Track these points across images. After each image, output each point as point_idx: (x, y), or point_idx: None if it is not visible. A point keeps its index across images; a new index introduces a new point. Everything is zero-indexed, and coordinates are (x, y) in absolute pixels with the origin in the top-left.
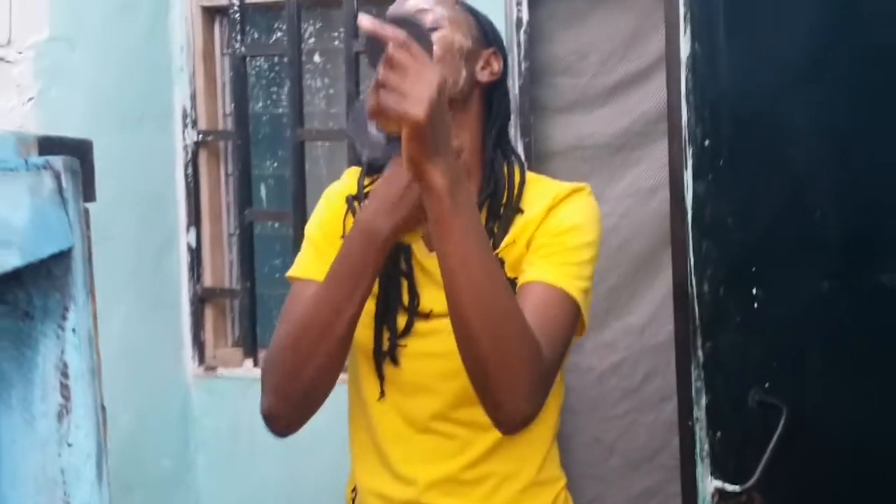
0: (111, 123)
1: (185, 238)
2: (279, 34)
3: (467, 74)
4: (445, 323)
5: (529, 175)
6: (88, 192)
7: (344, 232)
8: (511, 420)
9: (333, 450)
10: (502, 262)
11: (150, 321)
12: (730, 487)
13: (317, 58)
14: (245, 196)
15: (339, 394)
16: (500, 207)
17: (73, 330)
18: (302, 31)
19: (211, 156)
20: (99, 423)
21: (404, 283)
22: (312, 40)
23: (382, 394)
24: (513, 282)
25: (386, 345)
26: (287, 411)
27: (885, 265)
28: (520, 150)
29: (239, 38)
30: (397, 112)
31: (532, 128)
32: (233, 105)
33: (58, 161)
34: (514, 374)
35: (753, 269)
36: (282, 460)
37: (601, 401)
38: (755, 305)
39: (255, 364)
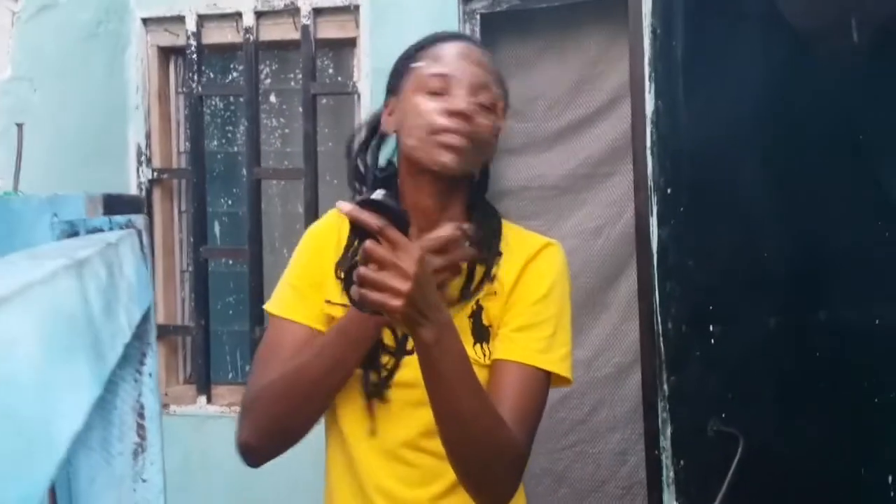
0: (71, 160)
1: None
2: (235, 74)
3: (496, 140)
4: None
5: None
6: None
7: (324, 276)
8: (492, 503)
9: (285, 484)
10: (481, 309)
11: None
12: None
13: (273, 98)
14: (200, 233)
15: None
16: (485, 251)
17: (150, 374)
18: (259, 71)
19: (164, 193)
20: (163, 460)
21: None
22: (269, 81)
23: (373, 432)
24: (487, 329)
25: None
26: (265, 447)
27: (825, 303)
28: None
29: (195, 77)
30: (376, 304)
31: None
32: (188, 143)
33: (138, 220)
34: (495, 474)
35: (711, 307)
36: (234, 494)
37: (551, 432)
38: (712, 341)
39: (209, 401)
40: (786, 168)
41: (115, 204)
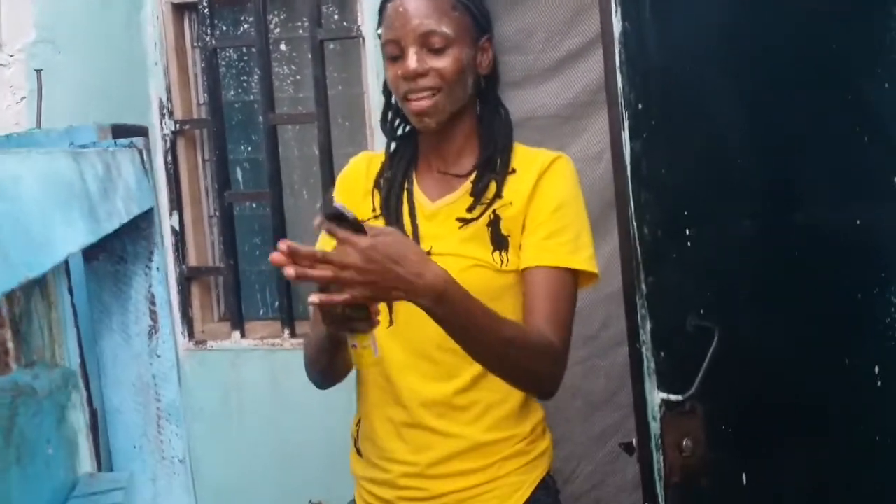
0: (95, 117)
1: (169, 221)
2: (246, 26)
3: (472, 79)
4: (441, 260)
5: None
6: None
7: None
8: (544, 397)
9: (320, 415)
10: (498, 219)
11: None
12: (673, 398)
13: (283, 46)
14: (223, 179)
15: None
16: (495, 165)
17: (157, 268)
18: (268, 21)
19: (188, 143)
20: (176, 340)
21: (408, 225)
22: (278, 30)
23: (391, 322)
24: (506, 238)
25: None
26: (317, 382)
27: (796, 205)
28: None
29: (209, 31)
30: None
31: None
32: (206, 95)
33: (139, 141)
34: (539, 377)
35: (686, 212)
36: (271, 425)
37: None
38: (688, 244)
39: (243, 336)
40: (757, 75)
41: (122, 132)
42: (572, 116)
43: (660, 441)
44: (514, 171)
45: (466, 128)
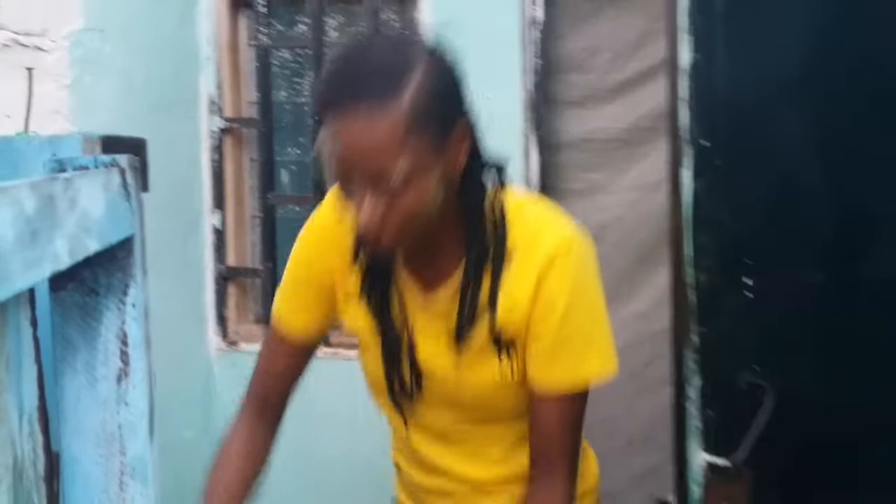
0: (140, 110)
1: (210, 220)
2: (302, 27)
3: (445, 190)
4: (448, 384)
5: (508, 205)
6: (144, 184)
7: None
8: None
9: (347, 425)
10: (500, 325)
11: (175, 298)
12: (720, 461)
13: None
14: (268, 181)
15: (349, 371)
16: (483, 266)
17: (133, 304)
18: (324, 24)
19: (235, 142)
20: (151, 385)
21: (397, 316)
22: (335, 34)
23: (407, 425)
24: (512, 342)
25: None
26: None
27: (868, 259)
28: (532, 142)
29: (264, 30)
30: None
31: (544, 121)
32: (258, 94)
33: (123, 159)
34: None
35: (747, 260)
36: (298, 432)
37: (608, 383)
38: (747, 294)
39: None
40: (829, 119)
41: (113, 144)
42: (632, 141)
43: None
44: (510, 257)
45: (447, 227)
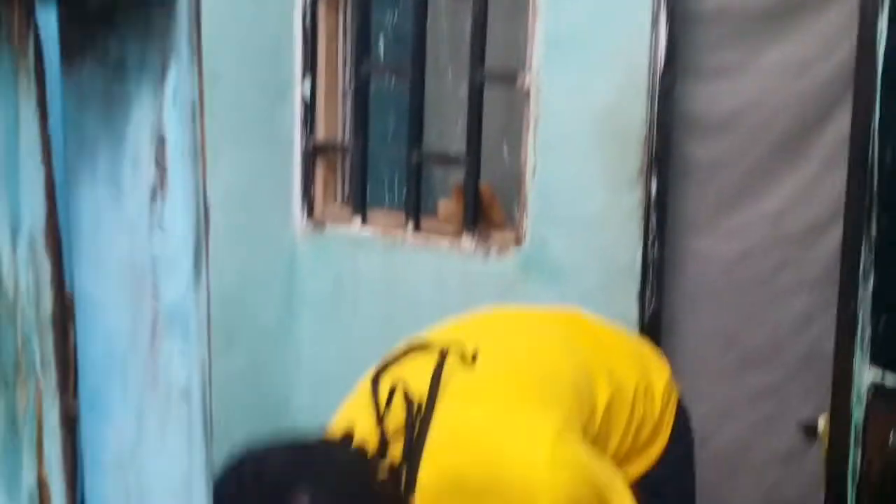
0: None
1: (300, 89)
2: None
3: None
4: None
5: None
6: None
7: None
8: None
9: (436, 318)
10: None
11: (259, 170)
12: (889, 381)
13: None
14: (363, 48)
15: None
16: None
17: (174, 92)
18: None
19: (330, 6)
20: (200, 209)
21: None
22: None
23: None
24: None
25: None
26: None
27: None
28: (662, 13)
29: None
30: None
31: None
32: None
33: None
34: None
35: None
36: (384, 323)
37: (724, 291)
38: None
39: (364, 222)
40: None
41: None
42: (777, 16)
43: (861, 431)
44: None
45: None
